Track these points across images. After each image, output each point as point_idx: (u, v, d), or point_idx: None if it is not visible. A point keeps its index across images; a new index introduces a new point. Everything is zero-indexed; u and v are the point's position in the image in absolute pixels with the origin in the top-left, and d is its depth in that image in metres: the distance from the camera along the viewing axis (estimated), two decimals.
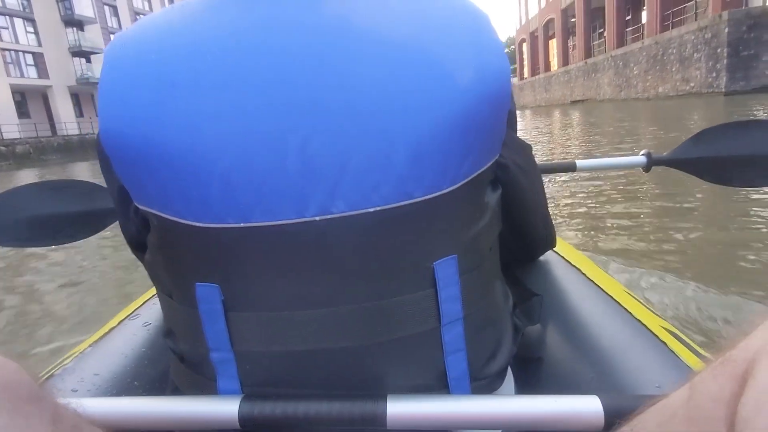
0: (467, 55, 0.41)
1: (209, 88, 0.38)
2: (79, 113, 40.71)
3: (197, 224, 0.40)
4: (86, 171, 19.42)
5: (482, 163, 0.44)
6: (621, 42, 24.28)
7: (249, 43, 0.39)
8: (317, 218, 0.39)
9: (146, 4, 45.60)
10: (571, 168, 0.93)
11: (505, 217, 0.53)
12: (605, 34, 26.92)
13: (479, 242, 0.46)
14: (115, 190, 0.47)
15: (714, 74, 15.63)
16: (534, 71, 42.10)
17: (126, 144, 0.39)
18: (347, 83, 0.38)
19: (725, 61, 14.87)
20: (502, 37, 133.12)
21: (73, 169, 20.47)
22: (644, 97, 20.78)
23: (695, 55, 16.61)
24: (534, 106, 38.36)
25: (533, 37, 41.59)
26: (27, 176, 17.86)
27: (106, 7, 40.73)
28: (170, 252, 0.45)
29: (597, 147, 7.05)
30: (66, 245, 0.97)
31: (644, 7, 22.48)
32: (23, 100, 36.00)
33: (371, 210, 0.39)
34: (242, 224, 0.39)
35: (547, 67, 38.15)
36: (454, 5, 0.44)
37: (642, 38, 21.81)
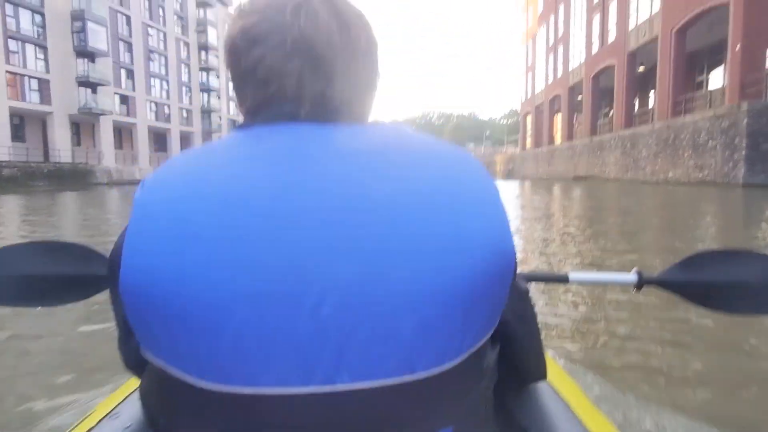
0: (478, 228, 0.41)
1: (229, 243, 0.38)
2: (77, 142, 40.14)
3: (202, 384, 0.39)
4: (72, 201, 18.29)
5: (485, 332, 0.44)
6: (629, 123, 24.09)
7: (271, 203, 0.39)
8: (322, 389, 0.39)
9: (161, 43, 46.45)
10: (563, 279, 0.95)
11: (498, 355, 0.53)
12: (612, 114, 26.88)
13: (476, 405, 0.46)
14: (120, 320, 0.46)
15: (731, 164, 14.97)
16: (537, 143, 42.32)
17: (143, 292, 0.40)
18: (359, 248, 0.38)
19: (744, 152, 14.23)
20: (505, 108, 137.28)
21: (59, 198, 19.24)
22: (653, 180, 20.15)
23: (710, 142, 16.06)
24: (535, 177, 38.08)
25: (538, 110, 42.17)
26: (8, 201, 16.78)
27: (121, 43, 41.28)
28: (168, 400, 0.45)
29: (597, 249, 5.55)
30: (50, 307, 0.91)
31: (654, 91, 22.47)
32: (21, 123, 35.47)
33: (373, 384, 0.39)
34: (248, 389, 0.38)
35: (551, 141, 38.29)
36: (468, 175, 0.45)
37: (652, 121, 21.54)
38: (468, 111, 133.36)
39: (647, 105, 25.02)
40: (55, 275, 0.86)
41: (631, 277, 0.92)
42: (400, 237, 0.39)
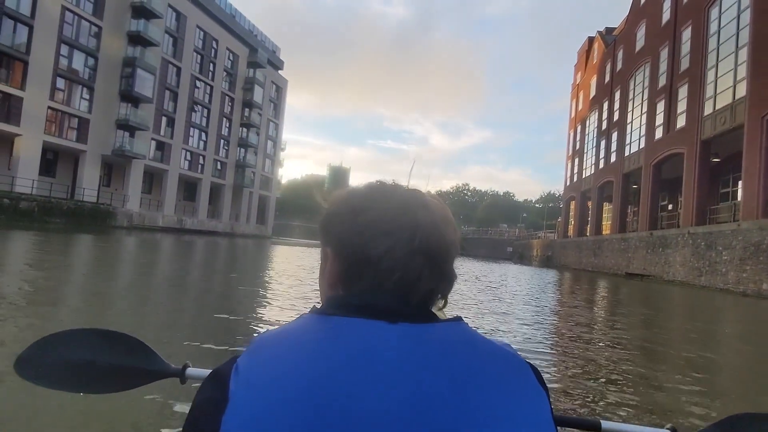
0: None
1: None
2: (107, 182, 39.79)
3: None
4: (84, 246, 16.27)
5: None
6: (702, 220, 20.81)
7: (345, 413, 0.44)
8: None
9: (207, 96, 47.21)
10: (595, 427, 0.89)
11: None
12: (680, 209, 23.68)
13: None
14: None
15: None
16: (580, 231, 39.02)
17: None
18: None
19: None
20: (539, 192, 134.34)
21: (69, 241, 17.15)
22: (738, 290, 16.53)
23: None
24: (578, 268, 34.41)
25: (584, 196, 39.32)
26: (6, 239, 14.53)
27: (167, 92, 41.94)
28: None
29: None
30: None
31: (736, 186, 19.40)
32: (54, 158, 35.40)
33: None
34: None
35: (599, 231, 34.99)
36: (523, 390, 0.49)
37: (735, 219, 18.27)
38: (503, 190, 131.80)
39: (724, 200, 21.81)
40: (102, 364, 0.88)
41: None
42: None
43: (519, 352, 0.52)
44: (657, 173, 25.62)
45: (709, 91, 20.54)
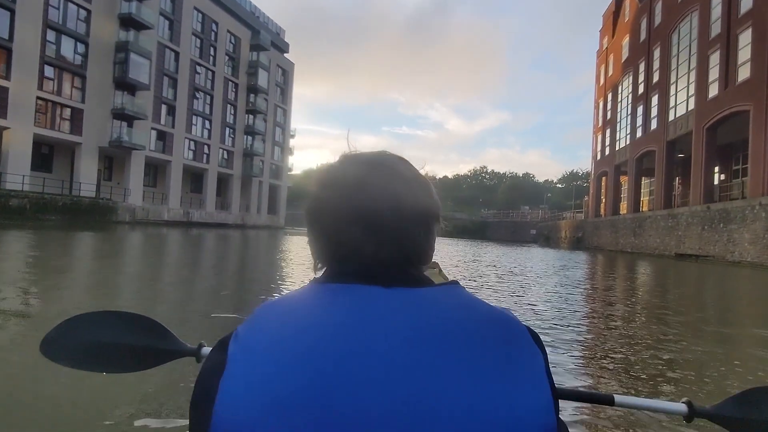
0: (523, 405, 0.46)
1: (308, 412, 0.43)
2: (108, 176, 37.90)
3: None
4: (83, 244, 14.38)
5: None
6: None
7: (336, 370, 0.45)
8: None
9: (209, 82, 44.83)
10: (608, 401, 0.89)
11: None
12: (744, 178, 20.33)
13: None
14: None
15: None
16: (615, 210, 35.66)
17: None
18: (411, 417, 0.44)
19: None
20: (560, 171, 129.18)
21: (65, 240, 15.33)
22: None
23: None
24: (615, 250, 31.21)
25: (618, 171, 35.88)
26: None
27: (166, 78, 39.64)
28: None
29: None
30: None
31: None
32: (50, 153, 33.56)
33: None
34: None
35: (637, 207, 31.64)
36: (517, 348, 0.49)
37: None
38: (522, 171, 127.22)
39: None
40: (122, 344, 0.92)
41: (680, 406, 0.86)
42: (448, 411, 0.43)
43: None
44: (712, 137, 22.24)
45: None
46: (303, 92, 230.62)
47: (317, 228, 0.58)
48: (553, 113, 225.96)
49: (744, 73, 19.57)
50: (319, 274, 0.59)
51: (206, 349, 0.94)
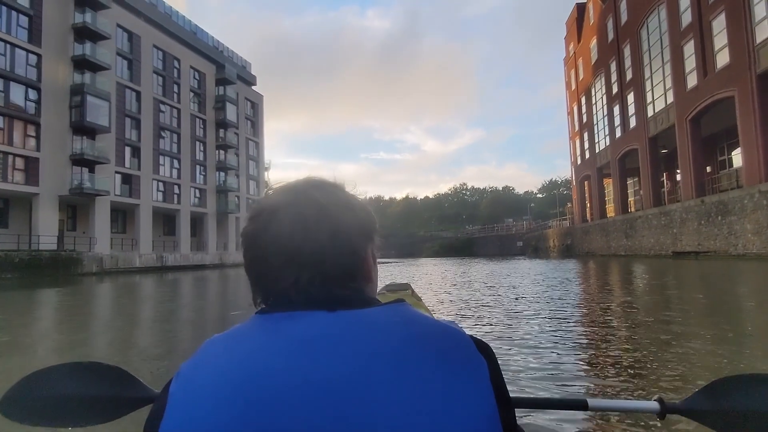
0: (466, 415, 0.46)
1: None
2: (72, 226, 35.71)
3: None
4: (46, 304, 12.22)
5: None
6: None
7: (278, 394, 0.45)
8: None
9: (174, 120, 43.35)
10: (581, 406, 0.90)
11: None
12: (731, 167, 19.52)
13: None
14: None
15: None
16: (602, 213, 34.83)
17: None
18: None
19: None
20: (538, 182, 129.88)
21: (22, 302, 12.91)
22: None
23: None
24: (607, 254, 30.18)
25: (601, 173, 35.21)
26: None
27: (128, 119, 38.03)
28: None
29: None
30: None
31: None
32: (6, 207, 31.40)
33: None
34: None
35: (625, 208, 30.79)
36: (460, 362, 0.49)
37: None
38: (502, 185, 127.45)
39: None
40: (87, 396, 0.88)
41: (652, 404, 0.88)
42: (390, 424, 0.44)
43: None
44: (696, 129, 21.51)
45: (760, 11, 16.48)
46: (279, 126, 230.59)
47: (246, 261, 0.59)
48: (527, 126, 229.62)
49: (723, 59, 18.98)
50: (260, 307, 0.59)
51: None
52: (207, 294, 14.65)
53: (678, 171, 24.42)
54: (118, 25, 37.32)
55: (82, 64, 33.41)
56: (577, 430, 2.43)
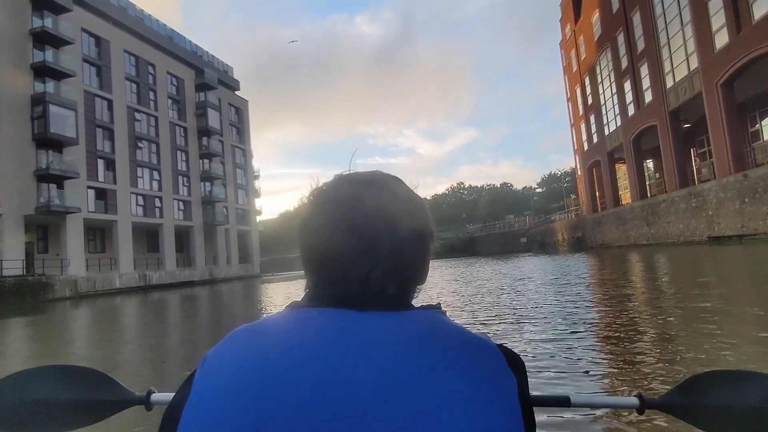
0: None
1: None
2: (44, 248, 32.87)
3: None
4: (16, 339, 9.94)
5: None
6: None
7: (307, 394, 0.44)
8: None
9: (152, 129, 40.60)
10: (564, 403, 0.91)
11: None
12: None
13: None
14: None
15: None
16: (616, 200, 32.16)
17: None
18: None
19: None
20: (537, 177, 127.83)
21: None
22: None
23: None
24: (625, 244, 27.48)
25: (612, 157, 32.55)
26: None
27: (99, 130, 35.23)
28: None
29: None
30: None
31: None
32: None
33: None
34: None
35: (642, 194, 28.12)
36: (490, 375, 0.48)
37: None
38: (499, 182, 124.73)
39: None
40: (66, 400, 0.86)
41: (632, 400, 0.90)
42: (409, 431, 0.43)
43: None
44: (729, 94, 18.84)
45: None
46: (274, 136, 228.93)
47: (307, 248, 0.56)
48: (521, 124, 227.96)
49: (761, 8, 16.32)
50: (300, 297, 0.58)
51: (156, 396, 0.90)
52: (197, 314, 12.71)
53: (707, 147, 21.71)
54: (83, 30, 34.65)
55: (43, 71, 30.69)
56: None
